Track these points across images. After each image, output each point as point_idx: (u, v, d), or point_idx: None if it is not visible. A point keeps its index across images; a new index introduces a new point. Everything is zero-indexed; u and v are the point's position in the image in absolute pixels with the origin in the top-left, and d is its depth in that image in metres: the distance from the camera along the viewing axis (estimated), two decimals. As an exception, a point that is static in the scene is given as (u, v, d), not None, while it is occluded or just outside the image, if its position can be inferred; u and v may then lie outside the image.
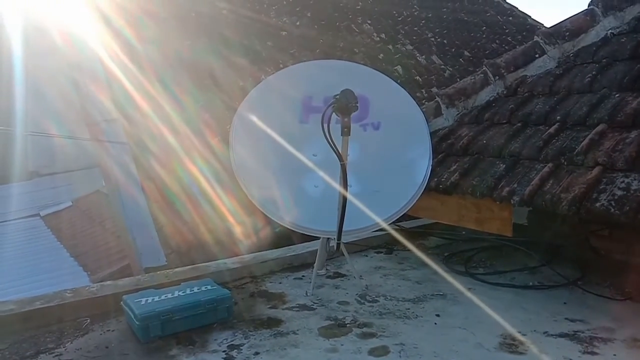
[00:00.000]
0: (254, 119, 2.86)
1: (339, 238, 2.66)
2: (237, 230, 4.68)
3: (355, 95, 2.51)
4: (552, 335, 2.43)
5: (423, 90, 7.29)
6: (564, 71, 3.55)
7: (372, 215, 2.69)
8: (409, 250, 3.72)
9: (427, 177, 2.88)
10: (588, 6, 3.74)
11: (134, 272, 5.02)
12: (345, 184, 2.57)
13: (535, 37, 3.85)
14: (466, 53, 8.98)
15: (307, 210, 2.80)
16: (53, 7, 6.04)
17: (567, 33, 3.72)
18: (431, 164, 2.94)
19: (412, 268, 3.45)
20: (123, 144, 5.51)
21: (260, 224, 4.69)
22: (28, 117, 10.15)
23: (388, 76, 3.24)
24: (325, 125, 2.46)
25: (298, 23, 7.80)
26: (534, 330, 2.47)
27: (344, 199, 2.56)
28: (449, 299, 2.90)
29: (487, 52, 8.92)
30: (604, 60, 3.37)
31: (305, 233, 2.86)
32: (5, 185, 11.47)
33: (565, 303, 2.79)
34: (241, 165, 2.82)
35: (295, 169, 2.84)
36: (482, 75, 3.83)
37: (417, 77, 7.71)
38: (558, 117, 3.12)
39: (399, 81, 6.81)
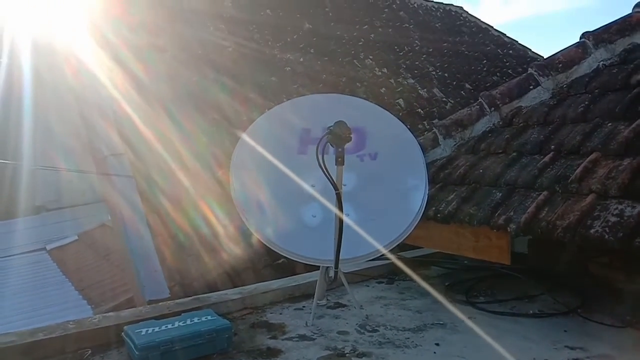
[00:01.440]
0: (255, 149, 2.94)
1: (337, 266, 2.69)
2: (240, 261, 4.70)
3: (349, 126, 2.58)
4: (551, 363, 2.43)
5: (425, 122, 7.40)
6: (557, 102, 3.62)
7: (371, 242, 2.72)
8: (410, 280, 3.73)
9: (424, 206, 2.92)
10: (580, 39, 3.84)
11: (137, 305, 5.01)
12: (340, 213, 2.61)
13: (529, 69, 3.95)
14: (467, 86, 9.13)
15: (306, 239, 2.84)
16: (62, 42, 6.23)
17: (560, 65, 3.81)
18: (427, 192, 2.99)
19: (413, 298, 3.46)
20: (129, 178, 5.59)
21: (263, 255, 4.72)
22: (36, 152, 10.32)
23: (385, 108, 3.31)
24: (320, 156, 2.53)
25: (302, 59, 7.99)
26: (534, 359, 2.46)
27: (340, 227, 2.60)
28: (449, 328, 2.90)
29: (488, 84, 9.06)
30: (597, 90, 3.44)
31: (304, 262, 2.89)
32: (13, 220, 11.60)
33: (565, 331, 2.78)
34: (240, 194, 2.88)
35: (293, 199, 2.90)
36: (478, 106, 3.91)
37: (419, 110, 7.84)
38: (552, 146, 3.18)
39: (400, 114, 6.95)
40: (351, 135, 2.59)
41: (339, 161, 2.61)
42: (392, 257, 3.25)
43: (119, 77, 5.76)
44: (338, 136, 2.56)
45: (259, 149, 2.95)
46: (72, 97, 6.46)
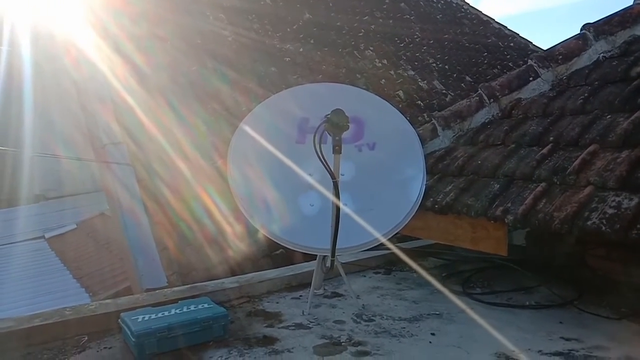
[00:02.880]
0: (253, 138, 2.93)
1: (333, 255, 2.70)
2: (239, 250, 4.71)
3: (346, 115, 2.58)
4: (546, 353, 2.43)
5: (425, 115, 7.36)
6: (557, 93, 3.61)
7: (369, 231, 2.72)
8: (407, 270, 3.75)
9: (421, 196, 2.91)
10: (580, 31, 3.82)
11: (134, 294, 5.03)
12: (338, 201, 2.61)
13: (529, 60, 3.93)
14: (467, 78, 9.09)
15: (303, 228, 2.83)
16: (62, 31, 6.21)
17: (560, 57, 3.79)
18: (425, 182, 2.98)
19: (409, 288, 3.47)
20: (128, 167, 5.59)
21: (262, 244, 4.72)
22: (36, 140, 10.32)
23: (383, 98, 3.30)
24: (317, 144, 2.52)
25: (301, 49, 7.95)
26: (529, 349, 2.47)
27: (337, 216, 2.60)
28: (445, 318, 2.91)
29: (489, 77, 9.00)
30: (596, 82, 3.43)
31: (301, 251, 2.89)
32: (13, 208, 11.63)
33: (561, 322, 2.79)
34: (238, 182, 2.87)
35: (291, 187, 2.89)
36: (477, 98, 3.90)
37: (419, 102, 7.81)
38: (551, 138, 3.17)
39: (400, 105, 6.93)
40: (349, 124, 2.59)
41: (336, 149, 2.61)
42: (390, 245, 3.25)
43: (118, 66, 5.74)
44: (335, 124, 2.56)
45: (257, 138, 2.94)
46: (72, 85, 6.45)
